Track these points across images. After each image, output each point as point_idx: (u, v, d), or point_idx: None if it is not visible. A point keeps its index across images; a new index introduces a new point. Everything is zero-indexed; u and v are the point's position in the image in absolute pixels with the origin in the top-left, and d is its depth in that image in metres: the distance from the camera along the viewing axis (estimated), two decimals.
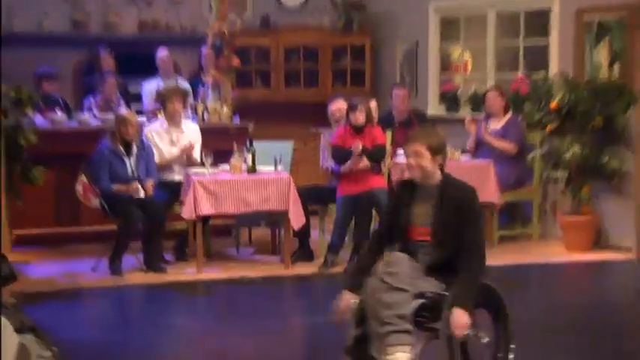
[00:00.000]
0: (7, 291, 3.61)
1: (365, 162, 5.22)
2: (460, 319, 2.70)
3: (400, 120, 6.28)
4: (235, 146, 5.41)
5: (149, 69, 6.75)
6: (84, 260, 5.55)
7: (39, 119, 5.70)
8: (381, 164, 5.47)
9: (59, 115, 5.93)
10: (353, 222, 5.43)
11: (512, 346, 3.03)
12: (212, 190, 5.14)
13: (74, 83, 7.54)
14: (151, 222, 5.19)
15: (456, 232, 2.82)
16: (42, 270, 5.47)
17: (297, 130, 6.91)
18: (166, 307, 4.78)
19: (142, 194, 5.19)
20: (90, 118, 6.09)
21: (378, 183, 5.34)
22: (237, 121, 6.24)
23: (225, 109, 6.13)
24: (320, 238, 5.67)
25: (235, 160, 5.31)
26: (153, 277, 5.21)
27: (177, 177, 5.59)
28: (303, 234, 5.56)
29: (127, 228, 5.16)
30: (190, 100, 6.22)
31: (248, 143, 5.42)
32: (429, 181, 2.90)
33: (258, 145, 5.48)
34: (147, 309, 5.06)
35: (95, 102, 6.36)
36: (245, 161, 5.29)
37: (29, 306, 4.05)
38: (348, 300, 2.90)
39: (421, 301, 2.85)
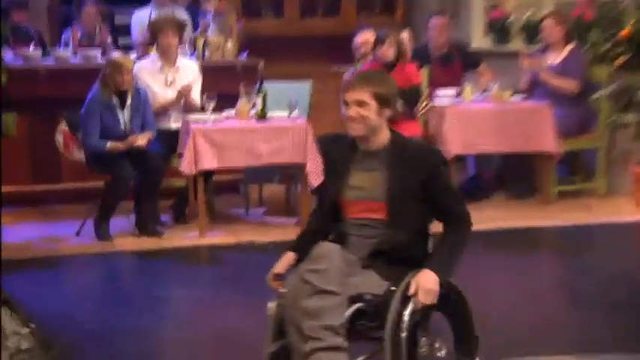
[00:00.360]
0: None
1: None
2: (429, 281, 2.33)
3: (438, 55, 5.83)
4: (242, 88, 5.15)
5: None
6: (66, 223, 5.40)
7: (9, 56, 5.41)
8: (414, 108, 5.20)
9: (33, 50, 5.58)
10: None
11: None
12: (215, 140, 4.93)
13: (49, 14, 7.22)
14: (145, 178, 4.91)
15: (415, 208, 2.46)
16: (18, 234, 5.31)
17: (315, 69, 6.54)
18: (162, 276, 4.79)
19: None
20: (69, 54, 5.74)
21: (412, 130, 4.94)
22: (244, 58, 5.90)
23: (230, 44, 5.85)
24: None
25: (242, 104, 5.05)
26: (147, 242, 5.03)
27: (173, 125, 5.25)
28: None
29: (116, 185, 4.92)
30: (188, 33, 5.92)
31: (257, 84, 5.26)
32: (373, 142, 2.49)
33: (270, 87, 5.25)
34: (139, 279, 4.96)
35: (74, 35, 6.06)
36: (254, 106, 5.05)
37: (4, 275, 3.71)
38: (289, 260, 2.57)
39: (358, 305, 2.43)
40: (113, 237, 4.97)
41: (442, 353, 2.52)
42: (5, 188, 5.33)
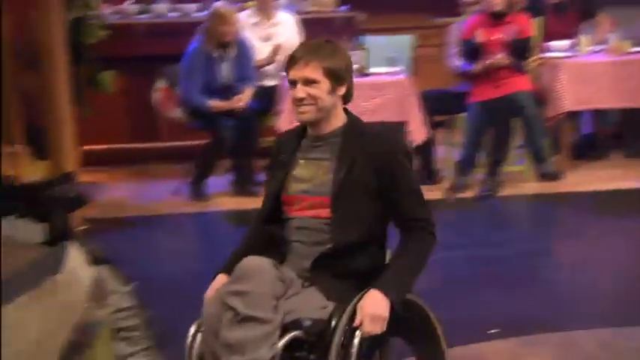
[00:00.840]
0: (75, 216, 3.61)
1: (505, 58, 4.77)
2: (375, 306, 2.01)
3: (552, 3, 5.58)
4: (341, 42, 4.90)
5: None
6: (163, 182, 5.54)
7: (106, 12, 5.50)
8: (525, 61, 4.99)
9: (129, 5, 5.67)
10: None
11: None
12: None
13: None
14: (242, 136, 4.91)
15: (366, 207, 2.12)
16: (114, 192, 5.47)
17: (417, 21, 6.42)
18: None
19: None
20: (166, 9, 5.81)
21: (522, 85, 4.87)
22: (344, 9, 5.85)
23: None
24: (447, 155, 5.35)
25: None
26: (243, 202, 4.99)
27: (271, 81, 5.21)
28: (426, 150, 5.23)
29: (215, 145, 4.96)
30: None
31: (357, 38, 5.30)
32: (325, 127, 2.17)
33: (371, 41, 5.27)
34: (236, 238, 4.89)
35: None
36: (354, 61, 4.82)
37: (100, 234, 4.13)
38: (221, 283, 2.18)
39: (294, 334, 2.07)
40: (210, 196, 5.01)
41: None
42: (102, 146, 5.65)
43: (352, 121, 2.14)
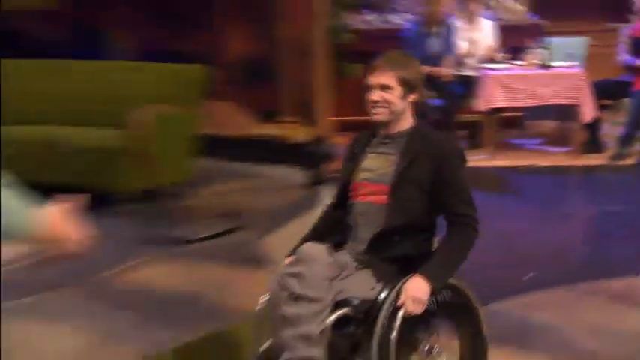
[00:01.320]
0: (326, 168, 4.87)
1: None
2: (417, 290, 2.04)
3: None
4: (529, 42, 5.77)
5: None
6: None
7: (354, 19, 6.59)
8: None
9: (370, 15, 6.75)
10: None
11: None
12: (506, 84, 5.58)
13: None
14: (446, 113, 5.78)
15: (419, 198, 2.16)
16: None
17: (592, 26, 6.84)
18: None
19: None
20: (397, 18, 6.80)
21: None
22: (532, 17, 6.36)
23: (519, 6, 6.38)
24: (611, 131, 5.84)
25: (530, 55, 5.67)
26: None
27: (471, 72, 6.01)
28: (594, 126, 5.75)
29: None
30: None
31: (542, 39, 5.71)
32: (394, 128, 2.23)
33: (553, 41, 5.76)
34: None
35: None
36: (539, 57, 5.58)
37: None
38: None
39: (343, 311, 2.15)
40: None
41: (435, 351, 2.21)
42: (351, 118, 6.34)
43: (418, 125, 2.19)
